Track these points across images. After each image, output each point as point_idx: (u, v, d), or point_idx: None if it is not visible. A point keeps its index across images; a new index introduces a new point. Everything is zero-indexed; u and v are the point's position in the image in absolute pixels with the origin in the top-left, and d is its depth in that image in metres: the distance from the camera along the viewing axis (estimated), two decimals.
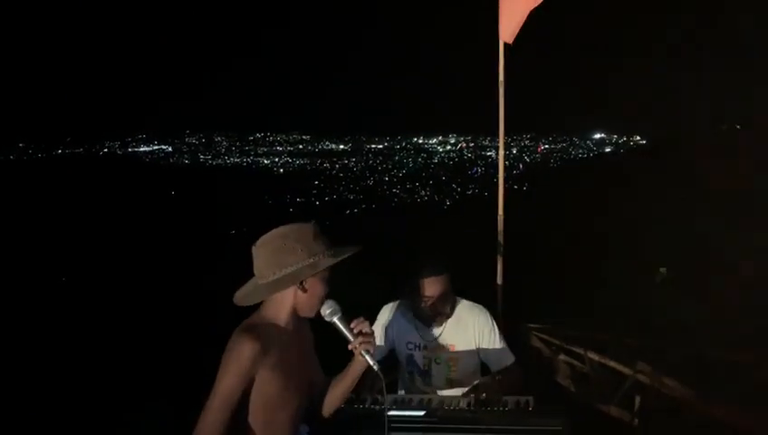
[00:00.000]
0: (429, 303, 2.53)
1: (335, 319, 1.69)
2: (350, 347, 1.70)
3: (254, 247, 1.68)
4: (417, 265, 2.55)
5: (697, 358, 3.01)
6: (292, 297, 1.67)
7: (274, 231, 1.67)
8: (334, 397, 1.85)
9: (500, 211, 3.51)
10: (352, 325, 1.70)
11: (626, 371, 3.09)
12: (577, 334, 3.65)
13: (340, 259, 1.66)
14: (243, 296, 1.68)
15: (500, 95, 3.32)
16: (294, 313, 1.70)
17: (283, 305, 1.68)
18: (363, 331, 1.70)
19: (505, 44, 3.36)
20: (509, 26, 3.30)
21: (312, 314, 1.71)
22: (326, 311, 1.69)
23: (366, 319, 1.73)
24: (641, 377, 2.94)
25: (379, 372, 1.70)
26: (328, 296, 1.70)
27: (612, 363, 3.21)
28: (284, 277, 1.62)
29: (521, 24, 3.27)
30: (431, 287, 2.51)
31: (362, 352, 1.67)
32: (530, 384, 2.63)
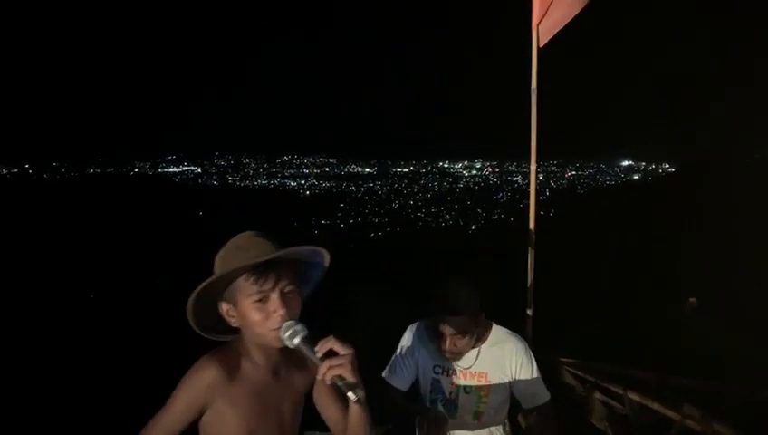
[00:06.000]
0: (449, 342, 2.29)
1: (296, 342, 1.31)
2: (318, 377, 1.29)
3: None
4: (438, 303, 2.30)
5: (753, 402, 2.71)
6: (241, 328, 1.39)
7: None
8: None
9: (531, 224, 3.27)
10: (317, 347, 1.29)
11: (671, 414, 2.78)
12: (614, 370, 3.35)
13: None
14: None
15: (532, 103, 3.10)
16: (269, 350, 1.42)
17: (245, 338, 1.42)
18: (333, 350, 1.29)
19: (538, 54, 3.18)
20: (545, 31, 3.13)
21: (273, 344, 1.36)
22: (283, 336, 1.31)
23: (336, 337, 1.31)
24: (689, 422, 2.64)
25: (362, 404, 1.31)
26: (289, 318, 1.33)
27: (655, 405, 2.90)
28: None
29: (555, 30, 3.09)
30: (450, 328, 2.26)
31: (334, 379, 1.27)
32: (562, 426, 2.37)
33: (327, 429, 2.05)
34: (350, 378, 1.28)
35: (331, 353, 1.29)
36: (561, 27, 3.01)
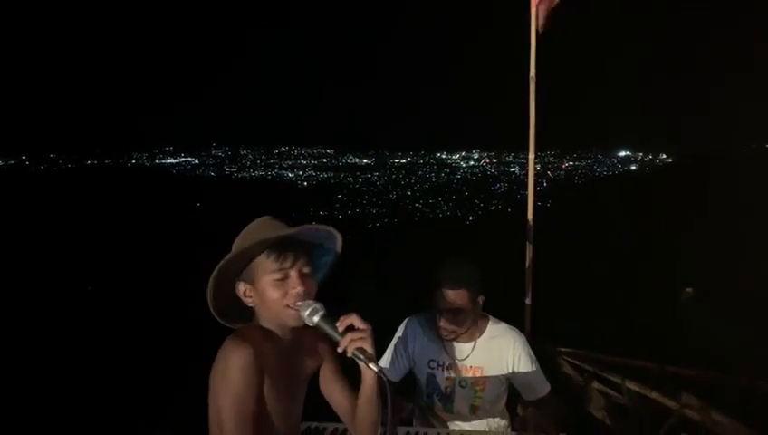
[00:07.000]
0: (444, 317, 2.25)
1: (316, 320, 1.35)
2: (339, 350, 1.35)
3: None
4: (440, 273, 2.26)
5: (752, 391, 2.69)
6: (258, 309, 1.43)
7: None
8: (364, 425, 1.48)
9: (529, 215, 3.24)
10: (338, 323, 1.35)
11: (670, 404, 2.76)
12: (613, 360, 3.33)
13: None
14: None
15: (531, 92, 3.07)
16: (283, 332, 1.44)
17: (261, 321, 1.44)
18: (353, 325, 1.35)
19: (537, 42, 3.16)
20: (543, 13, 3.11)
21: (293, 323, 1.40)
22: (304, 314, 1.35)
23: (357, 314, 1.37)
24: (688, 412, 2.62)
25: (383, 374, 1.32)
26: (307, 298, 1.38)
27: (654, 395, 2.88)
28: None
29: (549, 12, 3.07)
30: (447, 300, 2.22)
31: (354, 351, 1.32)
32: (563, 417, 2.36)
33: (326, 420, 2.04)
34: (370, 350, 1.34)
35: (349, 329, 1.36)
36: (554, 4, 2.99)
